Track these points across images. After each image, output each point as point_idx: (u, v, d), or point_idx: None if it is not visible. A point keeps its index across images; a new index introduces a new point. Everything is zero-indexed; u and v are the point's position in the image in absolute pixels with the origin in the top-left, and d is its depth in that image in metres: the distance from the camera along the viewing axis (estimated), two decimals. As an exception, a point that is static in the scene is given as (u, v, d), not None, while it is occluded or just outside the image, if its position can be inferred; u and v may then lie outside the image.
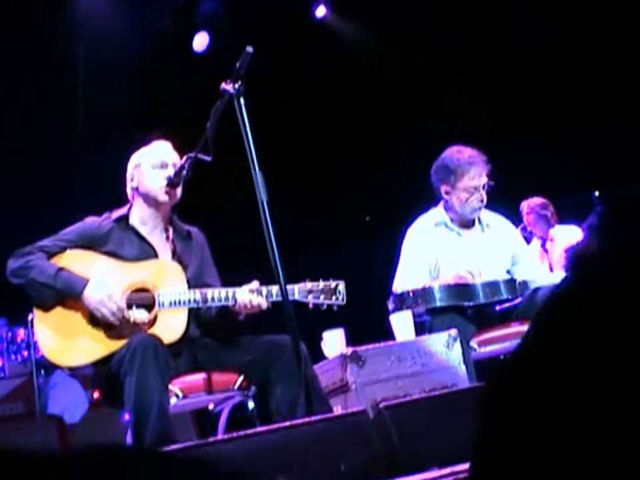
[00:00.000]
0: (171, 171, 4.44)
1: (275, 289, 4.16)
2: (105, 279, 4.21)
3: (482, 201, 5.35)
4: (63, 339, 4.19)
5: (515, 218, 7.05)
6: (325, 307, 4.39)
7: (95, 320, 4.19)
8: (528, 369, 1.23)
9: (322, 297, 4.37)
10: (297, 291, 4.31)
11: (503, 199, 5.73)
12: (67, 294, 4.18)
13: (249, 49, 3.81)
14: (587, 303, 1.19)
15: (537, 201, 8.00)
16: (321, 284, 4.39)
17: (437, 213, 5.54)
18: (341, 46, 10.00)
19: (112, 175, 4.81)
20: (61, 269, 4.21)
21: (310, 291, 4.35)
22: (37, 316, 4.24)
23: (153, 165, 4.50)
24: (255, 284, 4.27)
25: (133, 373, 3.87)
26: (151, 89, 8.94)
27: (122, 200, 4.63)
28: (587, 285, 1.22)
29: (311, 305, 4.36)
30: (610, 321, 1.15)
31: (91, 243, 4.37)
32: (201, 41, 9.08)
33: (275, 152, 6.74)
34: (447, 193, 5.41)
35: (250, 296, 4.23)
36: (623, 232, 1.33)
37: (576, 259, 1.31)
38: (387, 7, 9.29)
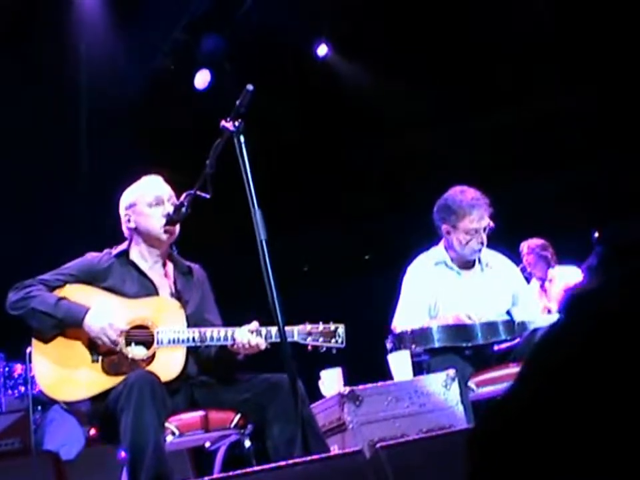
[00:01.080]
0: (167, 206, 4.44)
1: (274, 329, 4.14)
2: (105, 308, 4.20)
3: (482, 243, 5.35)
4: (61, 373, 4.17)
5: (515, 258, 7.05)
6: (324, 349, 4.37)
7: (93, 355, 4.18)
8: (519, 412, 1.22)
9: (321, 339, 4.35)
10: (296, 332, 4.30)
11: (502, 238, 5.73)
12: (68, 322, 4.16)
13: (250, 86, 3.83)
14: (581, 346, 1.18)
15: (536, 241, 8.01)
16: (321, 326, 4.38)
17: (437, 252, 5.54)
18: (341, 83, 10.06)
19: (112, 210, 4.80)
20: (61, 299, 4.20)
21: (309, 333, 4.34)
22: (35, 348, 4.22)
23: (149, 203, 4.47)
24: (254, 324, 4.25)
25: (129, 410, 3.85)
26: (151, 125, 8.98)
27: (122, 236, 4.62)
28: (581, 328, 1.22)
29: (309, 347, 4.35)
30: (604, 365, 1.14)
31: (91, 278, 4.36)
32: (202, 79, 9.11)
33: (275, 190, 6.75)
34: (447, 232, 5.42)
35: (249, 336, 4.21)
36: (622, 273, 1.33)
37: (571, 299, 1.30)
38: (388, 45, 9.36)
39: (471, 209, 5.32)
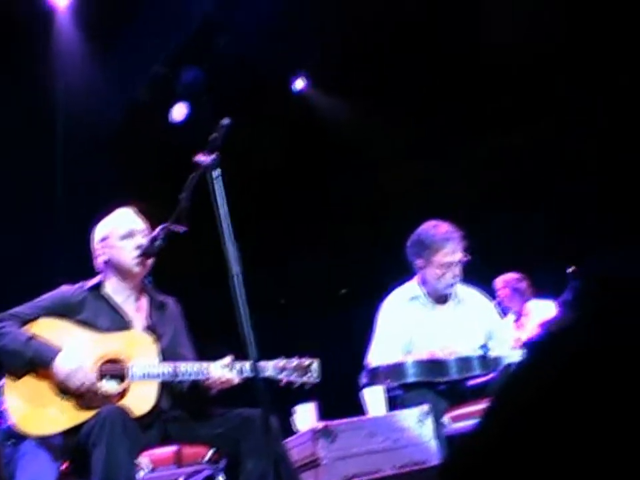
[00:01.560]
0: (139, 239, 4.43)
1: (247, 364, 4.11)
2: (76, 349, 4.17)
3: (456, 276, 5.37)
4: (33, 408, 4.13)
5: (491, 291, 7.07)
6: (297, 385, 4.34)
7: (65, 389, 4.14)
8: (489, 446, 1.21)
9: (294, 374, 4.32)
10: (270, 367, 4.27)
11: (479, 272, 5.73)
12: (37, 363, 4.12)
13: (225, 120, 3.82)
14: (553, 381, 1.18)
15: (511, 275, 8.05)
16: (295, 362, 4.35)
17: (411, 287, 5.55)
18: (323, 115, 10.09)
19: (87, 243, 4.77)
20: (32, 337, 4.17)
21: (283, 369, 4.30)
22: (7, 384, 4.18)
23: (121, 236, 4.47)
24: (227, 359, 4.23)
25: (101, 445, 3.82)
26: (128, 157, 8.97)
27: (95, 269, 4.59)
28: (553, 363, 1.21)
29: (283, 382, 4.31)
30: (577, 400, 1.13)
31: (65, 310, 4.34)
32: (179, 111, 9.14)
33: (252, 224, 6.74)
34: (421, 267, 5.43)
35: (222, 371, 4.19)
36: (597, 307, 1.33)
37: (544, 333, 1.30)
38: (365, 79, 9.39)
39: (444, 243, 5.35)
